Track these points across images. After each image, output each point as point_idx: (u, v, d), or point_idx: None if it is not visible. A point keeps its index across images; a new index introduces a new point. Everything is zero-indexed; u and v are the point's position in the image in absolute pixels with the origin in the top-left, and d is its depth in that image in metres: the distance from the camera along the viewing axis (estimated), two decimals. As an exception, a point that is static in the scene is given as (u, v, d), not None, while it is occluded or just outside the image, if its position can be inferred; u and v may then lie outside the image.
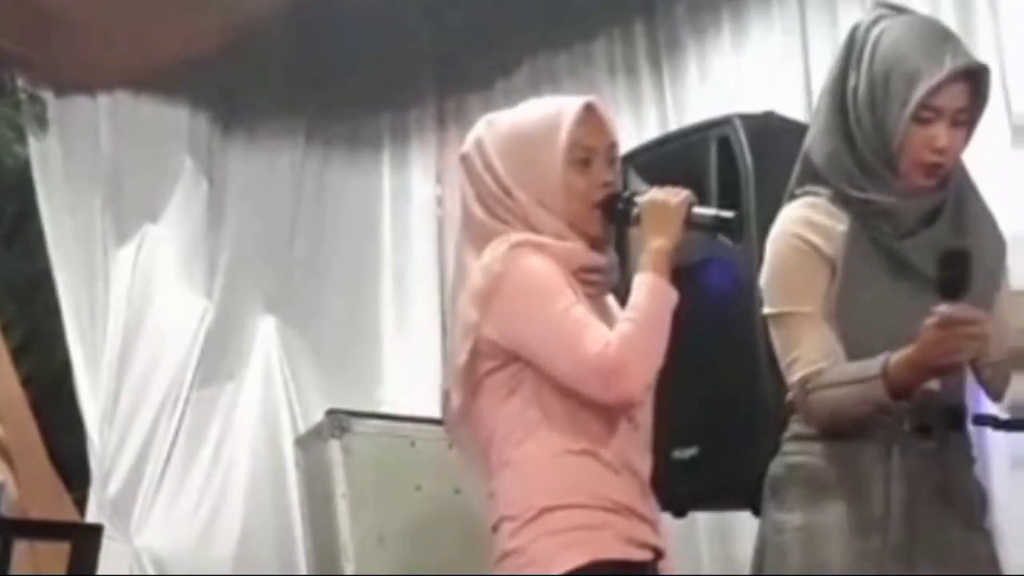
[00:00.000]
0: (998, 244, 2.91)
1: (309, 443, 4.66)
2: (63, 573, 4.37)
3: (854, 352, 2.78)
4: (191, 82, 6.07)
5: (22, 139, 6.31)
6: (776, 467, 2.89)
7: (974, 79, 2.84)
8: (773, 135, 3.84)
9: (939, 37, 2.86)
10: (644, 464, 2.75)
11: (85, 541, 4.49)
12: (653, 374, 2.68)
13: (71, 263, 6.06)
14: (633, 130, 5.08)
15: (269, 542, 5.72)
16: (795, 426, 2.89)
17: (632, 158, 3.99)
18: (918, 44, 2.81)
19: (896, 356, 2.68)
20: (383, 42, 5.91)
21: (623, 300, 2.75)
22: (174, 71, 5.95)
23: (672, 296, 2.68)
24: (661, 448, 2.84)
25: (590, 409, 2.66)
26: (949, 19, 4.26)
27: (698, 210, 2.78)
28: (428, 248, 5.91)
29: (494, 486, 2.72)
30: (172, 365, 5.95)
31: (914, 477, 2.77)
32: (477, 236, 2.75)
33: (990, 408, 2.97)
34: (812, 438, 2.84)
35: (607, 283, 2.80)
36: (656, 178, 3.96)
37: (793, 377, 2.83)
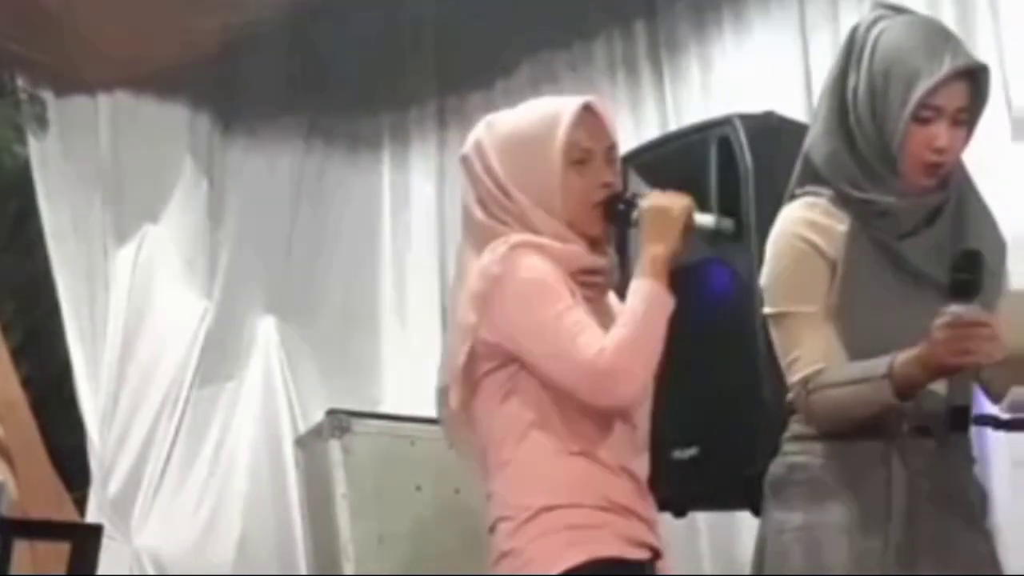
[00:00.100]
0: (998, 245, 2.91)
1: (309, 443, 4.67)
2: (63, 573, 4.38)
3: (855, 352, 2.78)
4: (191, 82, 6.08)
5: (22, 139, 6.32)
6: (776, 467, 2.89)
7: (974, 78, 2.84)
8: (773, 135, 3.84)
9: (939, 37, 2.85)
10: (641, 465, 2.75)
11: (85, 541, 4.49)
12: (647, 380, 2.67)
13: (71, 263, 6.07)
14: (633, 130, 5.08)
15: (269, 542, 5.73)
16: (795, 426, 2.88)
17: (632, 158, 3.99)
18: (918, 44, 2.81)
19: (903, 356, 2.68)
20: (383, 42, 5.92)
21: (623, 300, 2.75)
22: (174, 71, 5.96)
23: (669, 302, 2.68)
24: (659, 448, 2.84)
25: (587, 410, 2.65)
26: (949, 19, 4.27)
27: (698, 217, 2.77)
28: (428, 248, 5.90)
29: (492, 487, 2.72)
30: (172, 365, 5.96)
31: (914, 477, 2.77)
32: (477, 237, 2.75)
33: (990, 408, 2.97)
34: (812, 438, 2.84)
35: (607, 284, 2.80)
36: (656, 178, 3.97)
37: (794, 377, 2.83)
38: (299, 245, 6.07)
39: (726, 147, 3.87)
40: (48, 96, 6.10)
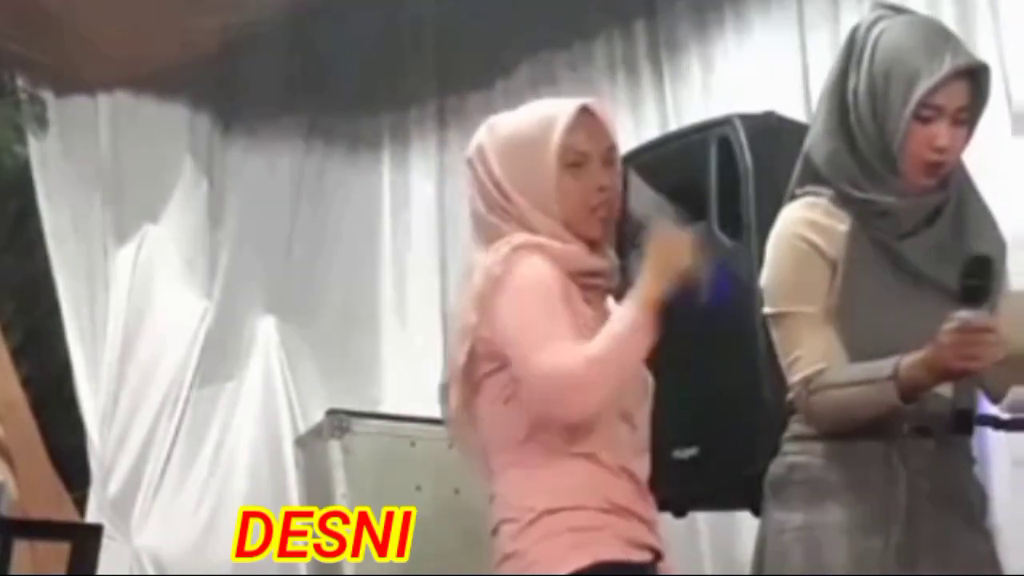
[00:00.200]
0: (998, 245, 2.91)
1: (309, 443, 4.67)
2: (63, 573, 4.38)
3: (855, 352, 2.78)
4: (191, 82, 6.08)
5: (22, 139, 6.32)
6: (776, 467, 2.89)
7: (974, 78, 2.84)
8: (773, 135, 3.84)
9: (939, 36, 2.85)
10: (642, 466, 2.75)
11: (85, 541, 4.49)
12: (601, 402, 2.62)
13: (71, 263, 6.07)
14: (633, 130, 5.09)
15: (269, 542, 5.73)
16: (795, 426, 2.88)
17: (632, 158, 3.99)
18: (918, 43, 2.81)
19: (908, 359, 2.67)
20: (383, 42, 5.92)
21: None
22: (174, 71, 5.96)
23: (649, 338, 2.62)
24: (659, 448, 2.84)
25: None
26: (949, 18, 4.27)
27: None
28: (428, 248, 5.91)
29: (495, 488, 2.72)
30: (172, 365, 5.97)
31: (915, 477, 2.77)
32: (483, 237, 2.77)
33: (990, 408, 2.97)
34: (812, 438, 2.84)
35: (607, 286, 2.79)
36: (656, 178, 3.98)
37: (795, 377, 2.82)
38: (299, 245, 6.08)
39: (726, 147, 3.87)
40: (48, 96, 6.11)
